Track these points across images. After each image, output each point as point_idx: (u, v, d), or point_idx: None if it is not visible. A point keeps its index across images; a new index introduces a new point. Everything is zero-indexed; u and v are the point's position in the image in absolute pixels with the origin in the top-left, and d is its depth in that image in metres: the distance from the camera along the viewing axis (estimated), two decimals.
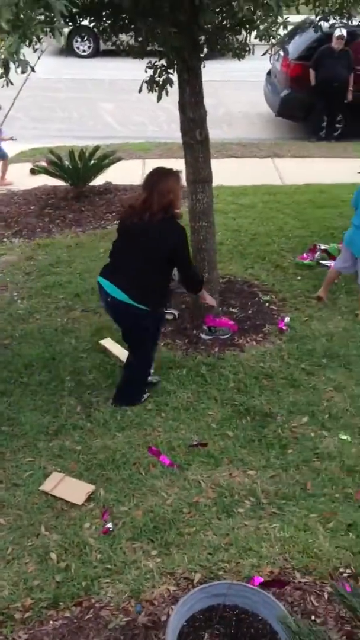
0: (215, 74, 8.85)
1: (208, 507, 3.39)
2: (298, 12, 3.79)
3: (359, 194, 5.03)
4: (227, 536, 3.21)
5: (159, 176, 3.77)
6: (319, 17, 4.73)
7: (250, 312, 5.22)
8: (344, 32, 9.11)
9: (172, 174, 3.83)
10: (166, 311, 5.00)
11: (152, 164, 8.62)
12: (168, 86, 4.40)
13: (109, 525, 3.26)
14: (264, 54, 4.02)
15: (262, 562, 3.06)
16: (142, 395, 4.19)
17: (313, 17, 4.86)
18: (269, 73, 11.07)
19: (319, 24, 4.71)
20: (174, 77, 4.40)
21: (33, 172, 8.20)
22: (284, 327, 4.99)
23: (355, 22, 5.45)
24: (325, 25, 4.86)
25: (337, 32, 9.09)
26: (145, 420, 4.02)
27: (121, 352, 4.60)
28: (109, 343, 4.72)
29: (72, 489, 3.46)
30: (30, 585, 2.96)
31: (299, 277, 5.81)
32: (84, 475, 3.60)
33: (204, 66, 4.45)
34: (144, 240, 3.73)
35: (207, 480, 3.57)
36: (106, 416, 4.05)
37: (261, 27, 4.13)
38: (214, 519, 3.32)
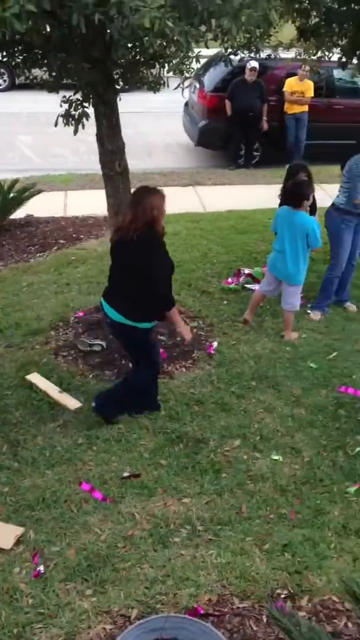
0: (133, 105, 8.97)
1: (143, 539, 3.34)
2: (207, 47, 3.94)
3: (277, 218, 5.20)
4: (163, 568, 3.16)
5: (143, 194, 3.88)
6: (228, 51, 4.91)
7: (178, 339, 5.24)
8: (256, 64, 9.48)
9: (156, 191, 3.93)
10: (93, 342, 4.96)
11: (74, 195, 8.72)
12: (85, 119, 4.43)
13: (40, 567, 3.14)
14: (176, 88, 4.13)
15: (200, 591, 3.03)
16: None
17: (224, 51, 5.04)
18: (186, 104, 11.35)
19: (229, 58, 4.89)
20: (90, 110, 4.44)
21: None
22: (213, 352, 5.04)
23: (263, 55, 5.68)
24: (235, 59, 5.05)
25: (249, 65, 9.45)
26: (75, 455, 3.93)
27: (49, 387, 4.50)
28: (35, 378, 4.61)
29: None
30: None
31: (225, 302, 5.91)
32: (12, 518, 3.47)
33: (120, 99, 4.51)
34: (127, 258, 3.80)
35: (141, 511, 3.52)
36: (34, 454, 3.93)
37: (173, 61, 4.25)
38: (150, 551, 3.27)
